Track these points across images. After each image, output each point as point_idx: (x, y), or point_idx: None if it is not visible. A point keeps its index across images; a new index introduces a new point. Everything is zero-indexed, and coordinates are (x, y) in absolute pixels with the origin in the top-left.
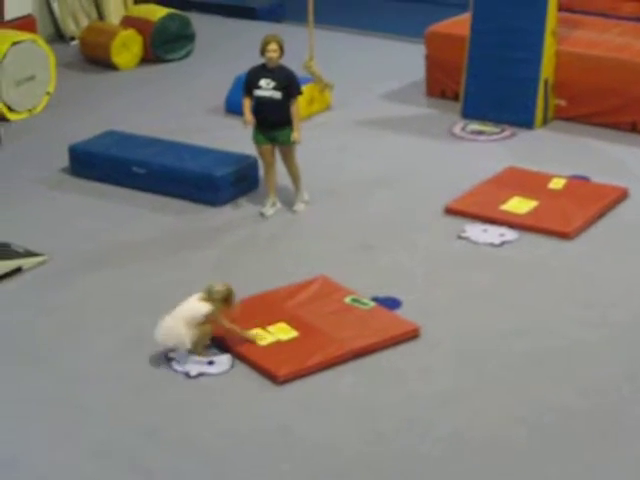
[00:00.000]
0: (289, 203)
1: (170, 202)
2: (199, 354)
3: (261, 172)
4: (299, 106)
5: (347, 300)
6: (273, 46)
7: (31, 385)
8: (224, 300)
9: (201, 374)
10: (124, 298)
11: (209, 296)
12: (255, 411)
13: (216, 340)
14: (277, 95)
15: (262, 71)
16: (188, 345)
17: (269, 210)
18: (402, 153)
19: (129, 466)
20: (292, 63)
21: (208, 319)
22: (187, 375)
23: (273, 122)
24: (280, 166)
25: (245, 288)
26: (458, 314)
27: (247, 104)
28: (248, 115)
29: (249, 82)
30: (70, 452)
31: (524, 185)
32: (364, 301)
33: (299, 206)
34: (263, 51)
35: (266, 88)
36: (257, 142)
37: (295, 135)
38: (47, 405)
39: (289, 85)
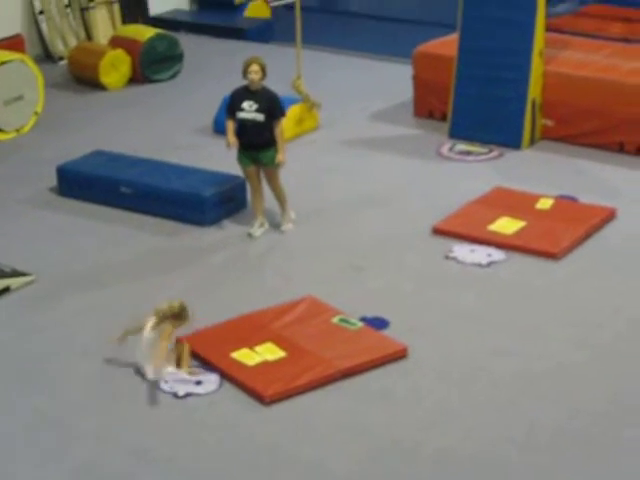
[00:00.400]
0: (277, 224)
1: (158, 222)
2: (159, 365)
3: (249, 193)
4: (283, 128)
5: (335, 320)
6: (254, 67)
7: (17, 405)
8: (174, 317)
9: (189, 394)
10: (111, 318)
11: (158, 318)
12: (243, 431)
13: (204, 360)
14: (260, 117)
15: (245, 93)
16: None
17: (257, 231)
18: (390, 173)
19: None
20: (280, 82)
21: (164, 336)
22: (175, 395)
23: (257, 144)
24: (267, 187)
25: (233, 308)
26: (446, 334)
27: (230, 126)
28: (231, 137)
29: (232, 104)
30: (57, 473)
31: (512, 205)
32: (352, 321)
33: (287, 226)
34: (245, 73)
35: (249, 110)
36: (242, 164)
37: (279, 157)
38: (33, 425)
39: (272, 107)
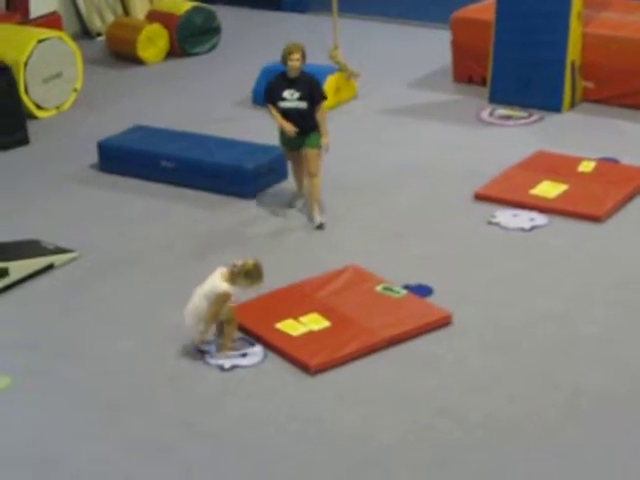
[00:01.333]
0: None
1: (200, 195)
2: (228, 348)
3: (290, 167)
4: (324, 111)
5: (378, 289)
6: (296, 55)
7: (65, 381)
8: (245, 275)
9: (235, 366)
10: (156, 294)
11: (230, 272)
12: (289, 402)
13: (248, 332)
14: (303, 105)
15: (284, 81)
16: (203, 324)
17: (299, 203)
18: (430, 140)
19: (166, 460)
20: (318, 53)
21: (222, 299)
22: (221, 368)
23: (301, 131)
24: None
25: (276, 279)
26: (490, 300)
27: (277, 114)
28: (287, 125)
29: (272, 94)
30: (107, 447)
31: (553, 169)
32: (395, 289)
33: (321, 218)
34: (285, 60)
35: (291, 99)
36: (284, 147)
37: (324, 140)
38: (82, 401)
39: (313, 92)
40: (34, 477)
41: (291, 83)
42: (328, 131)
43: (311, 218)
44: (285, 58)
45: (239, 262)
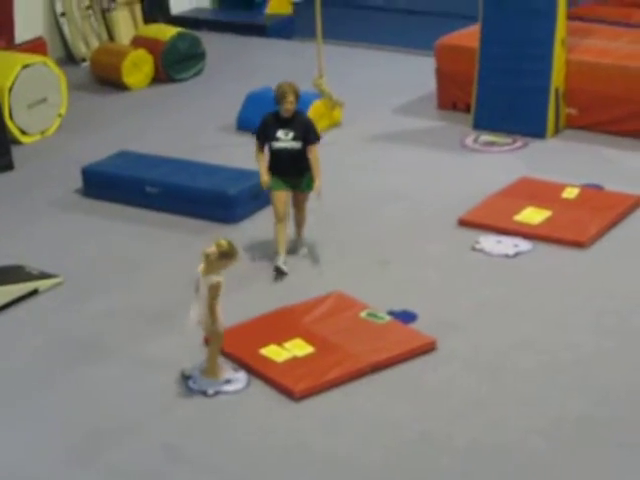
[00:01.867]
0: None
1: (185, 221)
2: (212, 373)
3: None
4: (318, 153)
5: (363, 315)
6: (290, 98)
7: (46, 408)
8: (224, 255)
9: (218, 392)
10: (140, 318)
11: (207, 263)
12: (273, 428)
13: (232, 357)
14: (297, 145)
15: (277, 121)
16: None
17: (284, 265)
18: (414, 166)
19: None
20: (302, 80)
21: (214, 290)
22: (204, 394)
23: (294, 172)
24: None
25: (260, 305)
26: (474, 326)
27: (262, 160)
28: (264, 175)
29: (264, 133)
30: (89, 472)
31: (537, 195)
32: (380, 315)
33: (303, 250)
34: (279, 102)
35: (285, 139)
36: (275, 188)
37: (317, 183)
38: (65, 426)
39: (307, 133)
40: None
41: (285, 123)
42: (320, 174)
43: (300, 243)
44: (279, 100)
45: (210, 249)
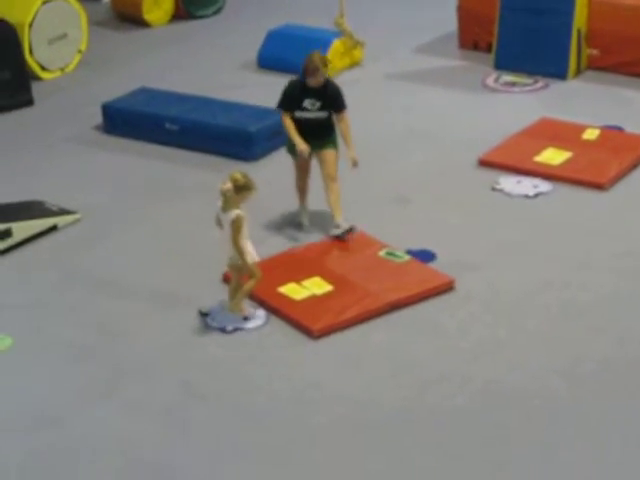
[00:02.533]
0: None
1: (204, 158)
2: (238, 307)
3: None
4: (349, 120)
5: (381, 253)
6: (322, 72)
7: (66, 343)
8: (238, 190)
9: (237, 329)
10: (159, 255)
11: (226, 199)
12: (292, 365)
13: (251, 295)
14: (323, 115)
15: (304, 89)
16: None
17: (305, 219)
18: (435, 106)
19: (166, 421)
20: (324, 17)
21: (237, 224)
22: (223, 330)
23: (318, 138)
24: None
25: (281, 243)
26: (493, 266)
27: (292, 126)
28: (301, 143)
29: (290, 101)
30: (108, 408)
31: (558, 136)
32: (398, 254)
33: (343, 224)
34: (310, 75)
35: (312, 109)
36: (295, 154)
37: (351, 154)
38: (83, 361)
39: (336, 102)
40: (37, 437)
41: (312, 93)
42: (353, 145)
43: (337, 225)
44: (310, 73)
45: (225, 185)
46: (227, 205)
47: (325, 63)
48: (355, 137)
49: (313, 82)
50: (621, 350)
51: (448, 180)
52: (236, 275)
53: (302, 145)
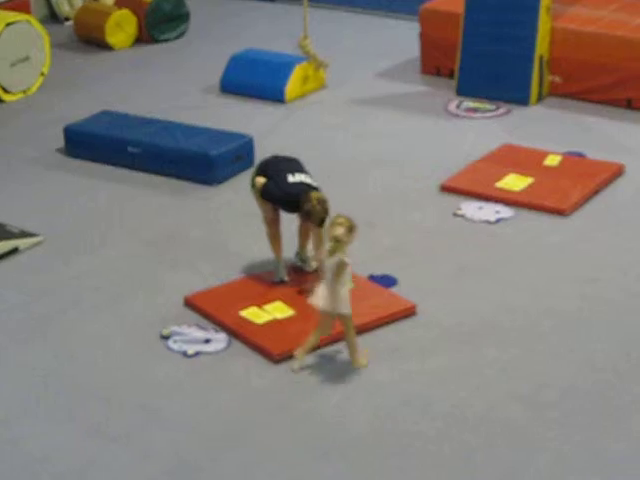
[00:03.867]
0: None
1: (166, 181)
2: (363, 364)
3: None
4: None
5: None
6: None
7: (29, 365)
8: (349, 231)
9: (198, 353)
10: (119, 278)
11: (335, 242)
12: (253, 389)
13: (212, 319)
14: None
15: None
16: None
17: (285, 275)
18: (397, 131)
19: (127, 445)
20: (287, 42)
21: (340, 269)
22: (184, 354)
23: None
24: None
25: (241, 267)
26: (454, 291)
27: (274, 242)
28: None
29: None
30: (69, 431)
31: (520, 162)
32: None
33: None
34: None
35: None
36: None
37: (317, 257)
38: (45, 385)
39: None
40: None
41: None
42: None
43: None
44: (302, 213)
45: (337, 231)
46: (335, 250)
47: (325, 211)
48: (318, 161)
49: (309, 221)
50: (584, 377)
51: (410, 205)
52: (324, 321)
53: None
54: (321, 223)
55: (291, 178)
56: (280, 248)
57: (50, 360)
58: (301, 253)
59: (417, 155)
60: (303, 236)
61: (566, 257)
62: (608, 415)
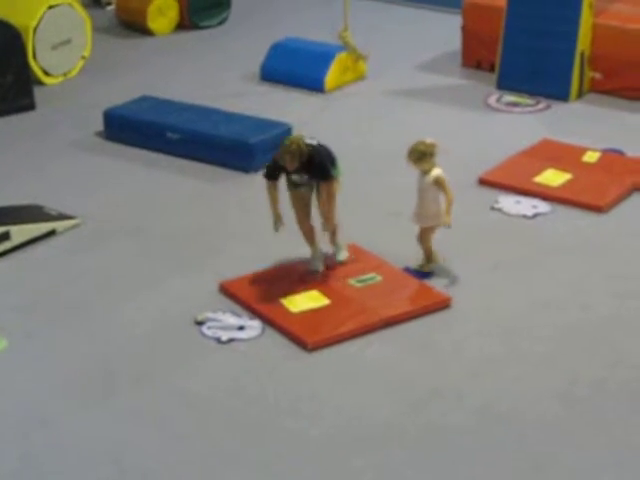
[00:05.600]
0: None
1: (203, 168)
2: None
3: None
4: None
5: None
6: (293, 160)
7: (62, 347)
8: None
9: (232, 339)
10: (155, 263)
11: (420, 156)
12: (285, 377)
13: (247, 306)
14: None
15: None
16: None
17: (320, 265)
18: (436, 123)
19: (160, 430)
20: (327, 31)
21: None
22: (218, 340)
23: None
24: None
25: (277, 256)
26: (489, 285)
27: (273, 198)
28: (277, 218)
29: (278, 173)
30: (101, 415)
31: (558, 157)
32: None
33: (344, 254)
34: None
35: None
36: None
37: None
38: (78, 368)
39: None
40: (26, 441)
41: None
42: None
43: (339, 246)
44: (283, 160)
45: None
46: (425, 165)
47: (292, 152)
48: (353, 151)
49: (290, 167)
50: (618, 373)
51: None
52: (423, 233)
53: (277, 220)
54: (292, 158)
55: None
56: (314, 240)
57: (85, 342)
58: (332, 242)
59: (456, 148)
60: (321, 210)
61: (602, 254)
62: None
